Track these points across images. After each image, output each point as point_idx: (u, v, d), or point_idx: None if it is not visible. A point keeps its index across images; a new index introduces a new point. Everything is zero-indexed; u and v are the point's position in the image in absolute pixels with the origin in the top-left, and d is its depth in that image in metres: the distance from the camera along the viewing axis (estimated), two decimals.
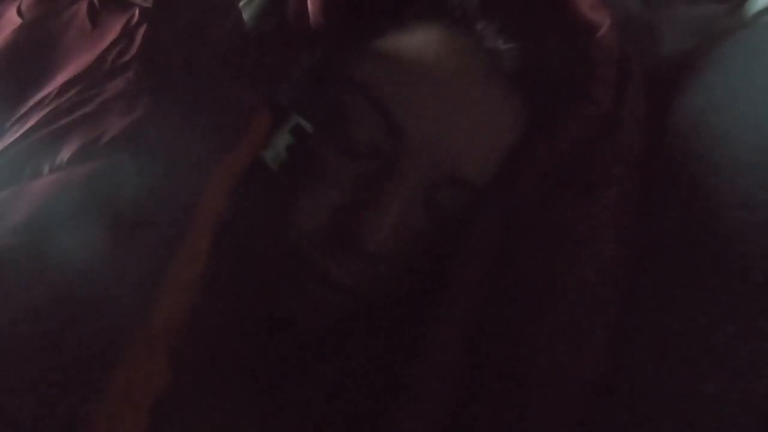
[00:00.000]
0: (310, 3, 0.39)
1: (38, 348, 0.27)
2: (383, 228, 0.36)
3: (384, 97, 0.37)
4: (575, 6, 0.39)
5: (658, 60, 0.42)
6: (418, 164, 0.37)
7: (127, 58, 0.33)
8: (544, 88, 0.38)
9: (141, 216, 0.30)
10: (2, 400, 0.26)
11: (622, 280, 0.37)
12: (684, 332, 0.35)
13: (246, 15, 0.40)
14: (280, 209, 0.37)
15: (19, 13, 0.34)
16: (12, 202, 0.29)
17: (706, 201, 0.36)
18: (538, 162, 0.38)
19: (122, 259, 0.29)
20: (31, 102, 0.32)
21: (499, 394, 0.36)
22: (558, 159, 0.38)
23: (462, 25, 0.38)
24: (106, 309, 0.29)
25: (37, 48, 0.34)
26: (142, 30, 0.33)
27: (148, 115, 0.32)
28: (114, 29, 0.33)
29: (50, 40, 0.34)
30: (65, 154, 0.30)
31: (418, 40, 0.38)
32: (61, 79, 0.32)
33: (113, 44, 0.33)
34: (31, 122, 0.31)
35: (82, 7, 0.34)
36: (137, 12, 0.34)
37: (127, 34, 0.33)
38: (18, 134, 0.31)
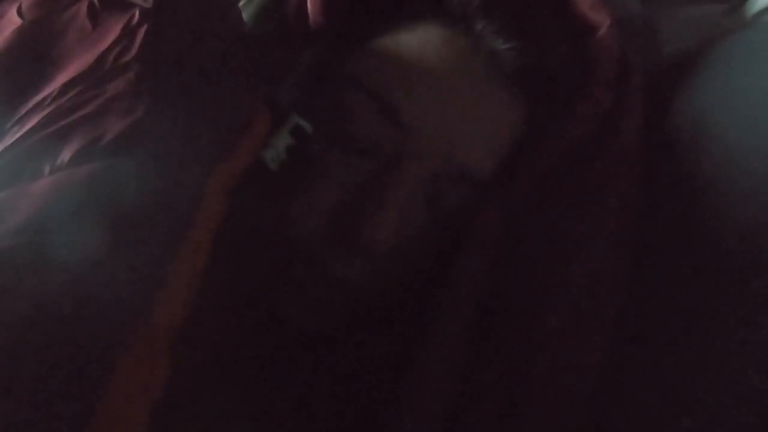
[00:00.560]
0: (309, 3, 0.39)
1: (38, 348, 0.27)
2: (384, 226, 0.36)
3: (384, 95, 0.37)
4: (575, 6, 0.39)
5: (658, 60, 0.42)
6: (419, 162, 0.37)
7: (127, 58, 0.32)
8: (544, 87, 0.38)
9: (141, 216, 0.30)
10: (2, 401, 0.26)
11: (622, 280, 0.37)
12: (684, 332, 0.36)
13: (246, 15, 0.40)
14: (280, 209, 0.37)
15: (20, 13, 0.34)
16: (12, 202, 0.29)
17: (706, 201, 0.36)
18: (538, 161, 0.38)
19: (123, 259, 0.29)
20: (32, 103, 0.32)
21: (500, 394, 0.36)
22: (558, 159, 0.38)
23: (462, 24, 0.38)
24: (106, 309, 0.29)
25: (37, 48, 0.33)
26: (142, 30, 0.33)
27: (148, 115, 0.32)
28: (114, 30, 0.33)
29: (50, 41, 0.34)
30: (66, 154, 0.30)
31: (418, 39, 0.38)
32: (61, 79, 0.32)
33: (113, 45, 0.33)
34: (32, 123, 0.31)
35: (83, 8, 0.34)
36: (137, 12, 0.34)
37: (128, 34, 0.33)
38: (18, 135, 0.31)
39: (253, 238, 0.36)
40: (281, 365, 0.37)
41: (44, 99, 0.32)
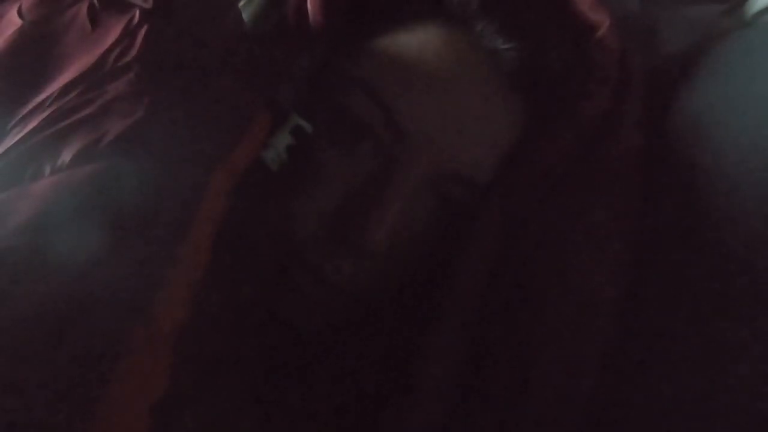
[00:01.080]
0: (309, 3, 0.39)
1: (39, 349, 0.27)
2: (383, 226, 0.36)
3: (385, 95, 0.37)
4: (575, 6, 0.39)
5: (658, 60, 0.42)
6: (419, 163, 0.37)
7: (127, 59, 0.33)
8: (544, 87, 0.38)
9: (142, 217, 0.30)
10: (2, 401, 0.26)
11: (622, 280, 0.37)
12: (685, 332, 0.36)
13: (246, 15, 0.40)
14: (280, 209, 0.37)
15: (20, 14, 0.34)
16: (14, 203, 0.29)
17: (706, 200, 0.36)
18: (538, 162, 0.38)
19: (123, 259, 0.30)
20: (32, 104, 0.32)
21: (500, 394, 0.36)
22: (558, 159, 0.38)
23: (462, 24, 0.38)
24: (106, 309, 0.29)
25: (37, 49, 0.34)
26: (142, 31, 0.33)
27: (148, 116, 0.32)
28: (114, 30, 0.33)
29: (51, 42, 0.34)
30: (66, 155, 0.30)
31: (418, 40, 0.38)
32: (62, 80, 0.32)
33: (114, 45, 0.33)
34: (33, 124, 0.31)
35: (83, 9, 0.34)
36: (137, 13, 0.34)
37: (128, 35, 0.33)
38: (19, 136, 0.31)
39: (253, 238, 0.36)
40: (281, 365, 0.37)
41: (45, 100, 0.32)
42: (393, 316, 0.39)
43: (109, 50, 0.33)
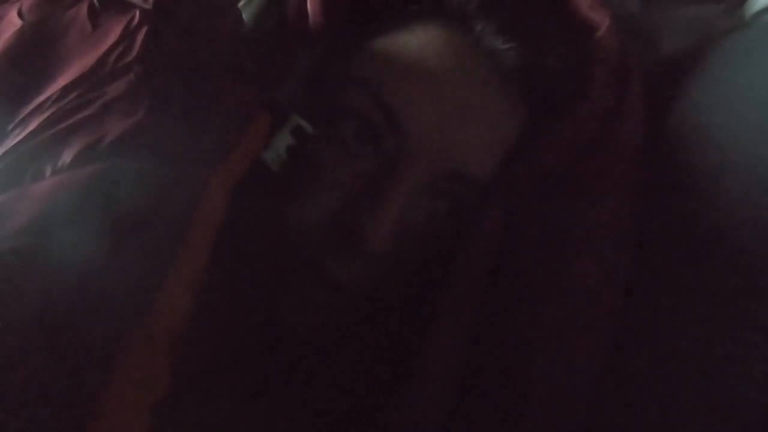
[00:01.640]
0: (309, 3, 0.39)
1: (39, 349, 0.27)
2: (384, 227, 0.36)
3: (385, 95, 0.37)
4: (574, 6, 0.39)
5: (657, 60, 0.42)
6: (419, 163, 0.37)
7: (127, 60, 0.33)
8: (544, 87, 0.38)
9: (142, 217, 0.30)
10: (3, 401, 0.26)
11: (621, 280, 0.37)
12: (685, 332, 0.36)
13: (246, 15, 0.40)
14: (280, 210, 0.37)
15: (20, 15, 0.34)
16: (14, 204, 0.29)
17: (706, 200, 0.36)
18: (537, 161, 0.38)
19: (123, 260, 0.30)
20: (33, 105, 0.32)
21: (499, 393, 0.36)
22: (558, 159, 0.38)
23: (461, 24, 0.38)
24: (106, 310, 0.29)
25: (38, 50, 0.34)
26: (142, 32, 0.33)
27: (148, 116, 0.32)
28: (114, 31, 0.33)
29: (51, 43, 0.34)
30: (67, 156, 0.30)
31: (418, 40, 0.38)
32: (62, 81, 0.32)
33: (114, 46, 0.33)
34: (33, 125, 0.31)
35: (83, 9, 0.34)
36: (137, 14, 0.34)
37: (128, 36, 0.33)
38: (20, 137, 0.31)
39: (253, 238, 0.37)
40: (281, 366, 0.38)
41: (45, 101, 0.32)
42: (393, 315, 0.39)
43: (110, 51, 0.33)
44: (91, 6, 0.34)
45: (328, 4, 0.39)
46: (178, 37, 0.34)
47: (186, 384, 0.31)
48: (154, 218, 0.31)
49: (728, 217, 0.35)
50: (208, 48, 0.35)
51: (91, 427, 0.27)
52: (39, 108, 0.32)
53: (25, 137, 0.31)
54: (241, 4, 0.40)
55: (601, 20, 0.38)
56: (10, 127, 0.31)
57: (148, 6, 0.34)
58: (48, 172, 0.30)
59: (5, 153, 0.30)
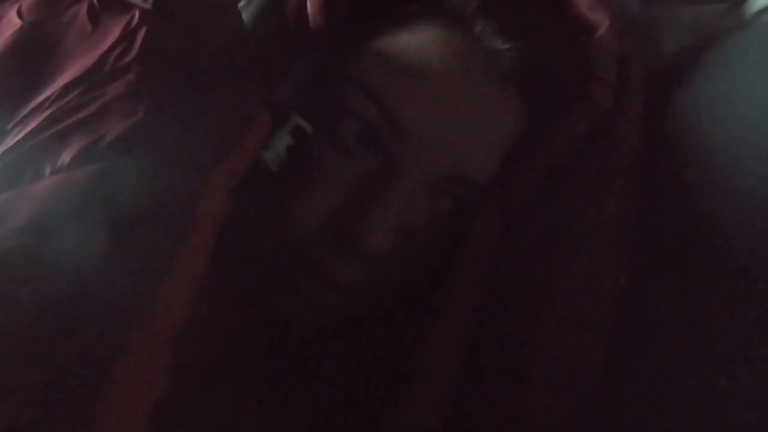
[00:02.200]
0: (309, 3, 0.39)
1: (38, 350, 0.27)
2: (384, 227, 0.36)
3: (384, 96, 0.37)
4: (574, 6, 0.39)
5: (657, 60, 0.42)
6: (419, 163, 0.37)
7: (127, 60, 0.33)
8: (544, 88, 0.38)
9: (142, 217, 0.30)
10: (3, 401, 0.26)
11: (621, 280, 0.37)
12: (685, 332, 0.36)
13: (246, 15, 0.40)
14: (280, 210, 0.37)
15: (20, 15, 0.34)
16: (13, 204, 0.29)
17: (706, 200, 0.36)
18: (537, 162, 0.38)
19: (123, 260, 0.30)
20: (32, 104, 0.32)
21: (499, 394, 0.36)
22: (557, 159, 0.38)
23: (461, 24, 0.38)
24: (106, 310, 0.29)
25: (37, 50, 0.33)
26: (142, 32, 0.33)
27: (148, 116, 0.32)
28: (114, 31, 0.33)
29: (50, 42, 0.34)
30: (66, 156, 0.30)
31: (418, 40, 0.38)
32: (61, 81, 0.32)
33: (114, 46, 0.33)
34: (32, 125, 0.31)
35: (83, 9, 0.34)
36: (137, 14, 0.34)
37: (128, 35, 0.33)
38: (19, 137, 0.31)
39: (253, 238, 0.36)
40: (281, 366, 0.37)
41: (45, 101, 0.32)
42: (393, 316, 0.39)
43: (109, 51, 0.33)
44: (90, 6, 0.34)
45: (328, 4, 0.39)
46: (178, 37, 0.34)
47: (186, 384, 0.31)
48: (154, 218, 0.31)
49: (728, 217, 0.35)
50: (208, 48, 0.35)
51: (91, 428, 0.27)
52: (38, 108, 0.31)
53: (25, 137, 0.31)
54: (241, 4, 0.40)
55: (601, 20, 0.38)
56: (10, 126, 0.31)
57: (148, 6, 0.34)
58: (47, 171, 0.30)
59: (4, 153, 0.30)
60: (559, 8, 0.39)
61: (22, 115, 0.31)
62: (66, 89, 0.32)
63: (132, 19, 0.33)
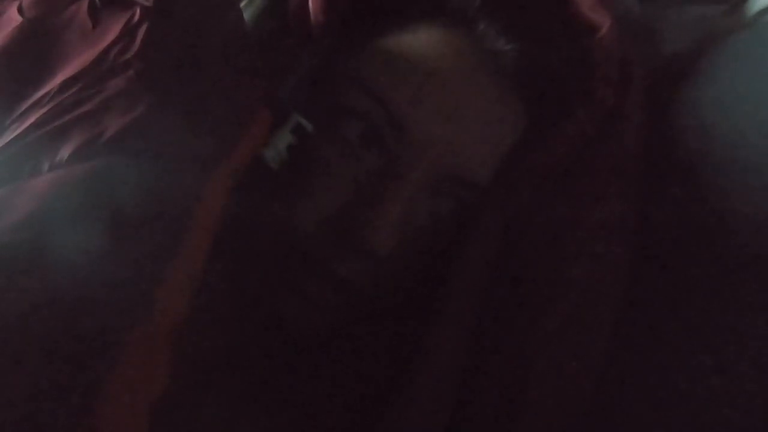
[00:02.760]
0: (310, 3, 0.39)
1: (37, 346, 0.27)
2: (385, 227, 0.36)
3: (386, 96, 0.37)
4: (576, 7, 0.39)
5: (658, 60, 0.42)
6: (421, 163, 0.37)
7: (127, 56, 0.33)
8: (545, 88, 0.38)
9: (141, 214, 0.30)
10: (1, 399, 0.26)
11: (623, 280, 0.37)
12: (686, 332, 0.35)
13: (246, 15, 0.40)
14: (280, 209, 0.37)
15: (20, 11, 0.34)
16: (12, 199, 0.29)
17: (707, 201, 0.36)
18: (538, 162, 0.38)
19: (121, 257, 0.29)
20: (32, 100, 0.32)
21: (500, 394, 0.36)
22: (559, 159, 0.38)
23: (463, 25, 0.38)
24: (105, 307, 0.29)
25: (37, 46, 0.33)
26: (143, 29, 0.33)
27: (148, 113, 0.32)
28: (115, 28, 0.33)
29: (51, 39, 0.34)
30: (65, 152, 0.30)
31: (420, 40, 0.38)
32: (61, 77, 0.32)
33: (114, 43, 0.33)
34: (32, 120, 0.31)
35: (83, 6, 0.34)
36: (138, 11, 0.34)
37: (128, 32, 0.33)
38: (18, 132, 0.31)
39: (253, 236, 0.36)
40: (282, 365, 0.37)
41: (44, 96, 0.32)
42: (394, 315, 0.38)
43: (109, 47, 0.33)
44: (91, 3, 0.34)
45: (330, 4, 0.39)
46: (178, 35, 0.34)
47: (186, 383, 0.31)
48: (153, 216, 0.30)
49: (729, 217, 0.35)
50: (209, 45, 0.35)
51: (90, 426, 0.27)
52: (38, 103, 0.31)
53: (23, 132, 0.30)
54: (242, 4, 0.40)
55: (602, 21, 0.38)
56: (9, 121, 0.31)
57: (149, 3, 0.34)
58: (46, 167, 0.30)
59: (3, 147, 0.30)
60: (560, 9, 0.39)
61: (22, 110, 0.31)
62: (66, 85, 0.32)
63: (133, 16, 0.34)
